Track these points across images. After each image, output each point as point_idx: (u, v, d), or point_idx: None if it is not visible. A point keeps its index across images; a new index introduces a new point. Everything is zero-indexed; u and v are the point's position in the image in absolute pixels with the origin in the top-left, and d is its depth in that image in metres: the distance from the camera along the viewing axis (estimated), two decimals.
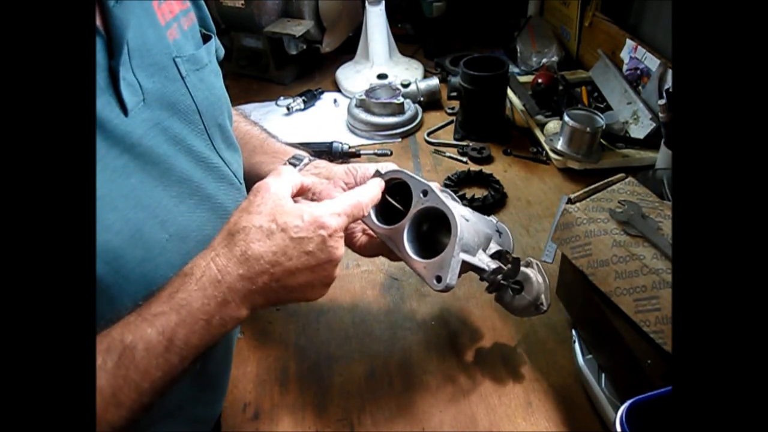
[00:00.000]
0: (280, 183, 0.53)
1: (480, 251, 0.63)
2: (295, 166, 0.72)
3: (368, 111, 1.23)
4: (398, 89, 1.25)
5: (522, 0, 1.58)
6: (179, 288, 0.48)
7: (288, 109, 1.31)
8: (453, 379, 0.70)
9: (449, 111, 1.30)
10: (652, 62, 1.14)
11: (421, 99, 1.30)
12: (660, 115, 0.95)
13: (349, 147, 1.14)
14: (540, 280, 0.65)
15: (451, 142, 1.20)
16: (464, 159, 1.13)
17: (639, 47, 1.19)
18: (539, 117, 1.19)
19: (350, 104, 1.26)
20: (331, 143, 1.13)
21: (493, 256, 0.65)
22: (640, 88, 1.18)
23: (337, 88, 1.43)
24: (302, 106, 1.33)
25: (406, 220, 0.61)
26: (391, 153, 1.15)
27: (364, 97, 1.22)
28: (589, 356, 0.68)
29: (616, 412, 0.47)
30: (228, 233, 0.50)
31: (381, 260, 0.85)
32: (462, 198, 0.99)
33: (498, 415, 0.66)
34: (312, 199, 0.69)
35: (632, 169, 0.93)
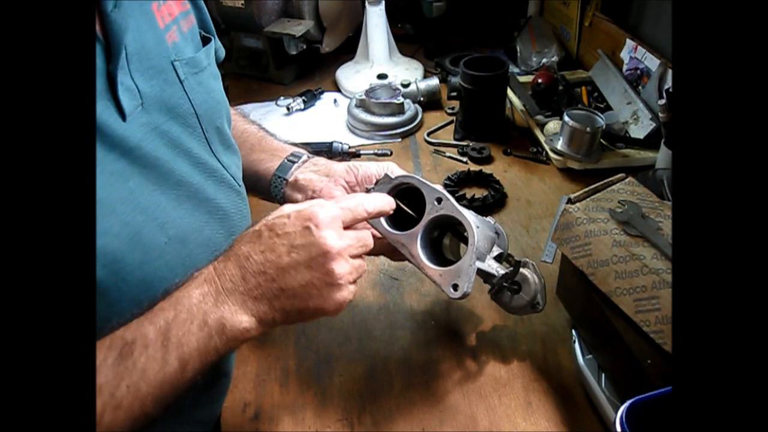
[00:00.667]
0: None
1: (487, 256, 0.64)
2: (293, 163, 0.72)
3: (368, 111, 1.23)
4: (398, 89, 1.25)
5: (522, 0, 1.58)
6: (181, 287, 0.49)
7: (288, 109, 1.31)
8: (453, 378, 0.70)
9: (449, 111, 1.30)
10: (652, 62, 1.14)
11: (421, 99, 1.30)
12: (660, 115, 0.95)
13: (349, 147, 1.14)
14: (536, 280, 0.66)
15: (451, 142, 1.20)
16: (464, 159, 1.13)
17: (639, 47, 1.19)
18: (539, 117, 1.19)
19: (350, 104, 1.26)
20: (331, 143, 1.13)
21: (495, 259, 0.65)
22: (640, 88, 1.18)
23: (337, 88, 1.43)
24: (302, 106, 1.33)
25: (419, 227, 0.61)
26: (391, 153, 1.15)
27: (364, 97, 1.22)
28: (589, 356, 0.68)
29: (616, 412, 0.47)
30: (238, 238, 0.52)
31: (381, 260, 0.86)
32: (462, 198, 0.99)
33: (498, 415, 0.66)
34: (312, 197, 0.69)
35: (632, 169, 0.93)
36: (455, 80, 1.27)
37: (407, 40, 1.58)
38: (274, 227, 0.50)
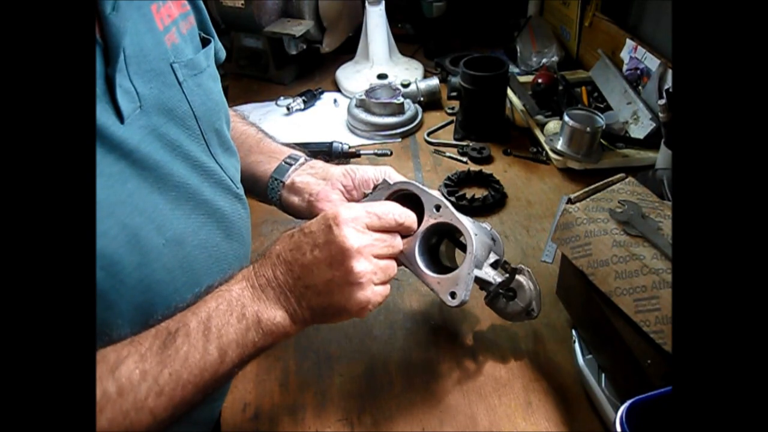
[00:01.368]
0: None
1: (484, 264, 0.64)
2: (290, 165, 0.72)
3: (368, 111, 1.23)
4: (398, 89, 1.25)
5: (522, 0, 1.58)
6: (225, 281, 0.52)
7: (288, 109, 1.31)
8: (453, 378, 0.70)
9: (449, 111, 1.30)
10: (652, 62, 1.14)
11: (421, 99, 1.30)
12: (660, 115, 0.95)
13: (349, 147, 1.14)
14: (532, 287, 0.66)
15: (451, 142, 1.20)
16: (464, 159, 1.13)
17: (639, 47, 1.19)
18: (539, 117, 1.19)
19: (350, 104, 1.26)
20: (331, 143, 1.13)
21: (491, 266, 0.65)
22: (640, 88, 1.18)
23: (337, 88, 1.43)
24: (302, 106, 1.33)
25: (417, 235, 0.61)
26: (391, 153, 1.15)
27: (364, 97, 1.22)
28: (589, 356, 0.68)
29: (616, 412, 0.47)
30: (277, 238, 0.55)
31: None
32: (462, 198, 0.99)
33: (498, 415, 0.66)
34: (309, 200, 0.69)
35: (632, 169, 0.93)
36: (455, 80, 1.27)
37: (407, 40, 1.58)
38: (303, 228, 0.53)
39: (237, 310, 0.49)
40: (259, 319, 0.50)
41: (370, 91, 1.23)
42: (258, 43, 1.43)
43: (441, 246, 0.69)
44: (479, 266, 0.63)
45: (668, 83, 1.09)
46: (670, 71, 1.09)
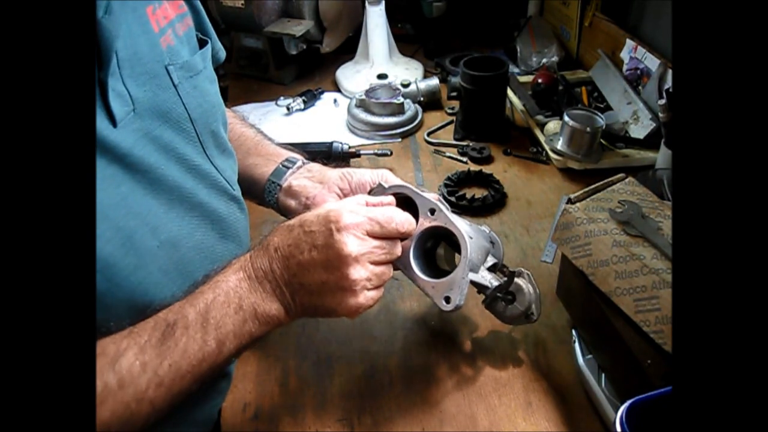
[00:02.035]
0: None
1: (481, 267, 0.64)
2: (288, 168, 0.72)
3: (368, 111, 1.23)
4: (398, 89, 1.25)
5: (522, 0, 1.58)
6: (221, 272, 0.53)
7: (288, 109, 1.31)
8: (453, 379, 0.70)
9: (449, 111, 1.30)
10: (652, 62, 1.14)
11: (421, 99, 1.30)
12: (660, 115, 0.95)
13: (349, 147, 1.14)
14: (531, 290, 0.66)
15: (451, 142, 1.20)
16: (464, 159, 1.13)
17: (639, 47, 1.19)
18: (539, 117, 1.19)
19: (350, 104, 1.26)
20: (331, 143, 1.13)
21: (489, 269, 0.65)
22: (640, 88, 1.18)
23: (337, 88, 1.43)
24: (302, 106, 1.33)
25: (412, 238, 0.61)
26: (391, 153, 1.15)
27: (364, 97, 1.22)
28: (589, 356, 0.68)
29: (616, 412, 0.47)
30: (274, 228, 0.55)
31: None
32: (462, 198, 0.99)
33: (498, 415, 0.66)
34: (306, 204, 0.69)
35: (632, 169, 0.93)
36: (455, 80, 1.27)
37: (407, 40, 1.58)
38: (304, 224, 0.53)
39: (234, 302, 0.50)
40: (255, 311, 0.51)
41: (370, 91, 1.23)
42: (258, 43, 1.43)
43: (439, 249, 0.69)
44: (475, 270, 0.62)
45: (668, 83, 1.09)
46: (670, 71, 1.09)
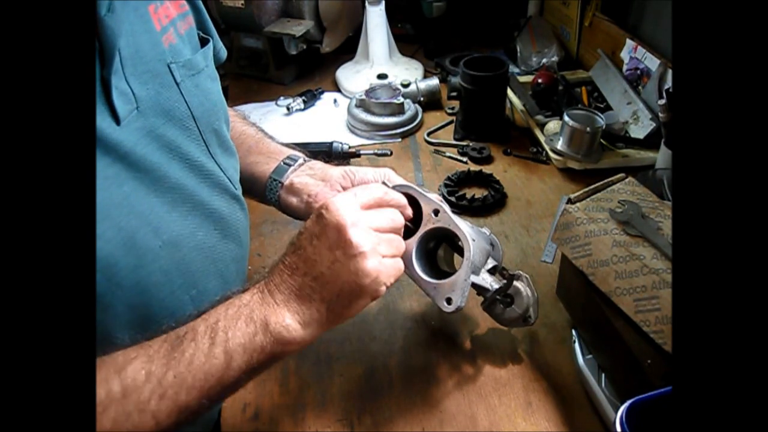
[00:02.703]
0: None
1: (482, 270, 0.64)
2: (289, 166, 0.72)
3: (368, 111, 1.23)
4: (398, 89, 1.25)
5: (522, 0, 1.58)
6: (240, 291, 0.52)
7: (288, 109, 1.31)
8: (453, 379, 0.70)
9: (449, 111, 1.30)
10: (652, 62, 1.14)
11: (421, 99, 1.30)
12: (660, 115, 0.95)
13: (349, 147, 1.14)
14: (529, 293, 0.66)
15: (451, 142, 1.20)
16: (464, 159, 1.13)
17: (639, 47, 1.19)
18: (539, 117, 1.19)
19: (350, 104, 1.26)
20: (331, 143, 1.13)
21: (490, 272, 0.65)
22: (640, 88, 1.18)
23: (337, 88, 1.43)
24: (302, 106, 1.33)
25: (415, 239, 0.60)
26: (391, 153, 1.15)
27: (364, 97, 1.22)
28: (589, 356, 0.68)
29: (616, 412, 0.47)
30: None
31: None
32: (462, 198, 0.99)
33: (498, 415, 0.66)
34: (308, 201, 0.69)
35: (632, 169, 0.93)
36: (455, 80, 1.27)
37: (407, 40, 1.58)
38: (300, 228, 0.53)
39: (245, 313, 0.49)
40: (266, 322, 0.49)
41: (370, 91, 1.23)
42: (258, 43, 1.43)
43: (439, 250, 0.69)
44: (476, 272, 0.63)
45: (668, 83, 1.09)
46: (670, 71, 1.09)
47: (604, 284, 0.63)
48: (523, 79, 1.33)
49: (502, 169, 1.10)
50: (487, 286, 0.64)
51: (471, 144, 1.15)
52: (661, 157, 0.97)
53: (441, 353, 0.74)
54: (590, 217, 0.66)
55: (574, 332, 0.71)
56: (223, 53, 0.71)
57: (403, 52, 1.51)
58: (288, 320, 0.50)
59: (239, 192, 0.66)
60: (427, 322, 0.78)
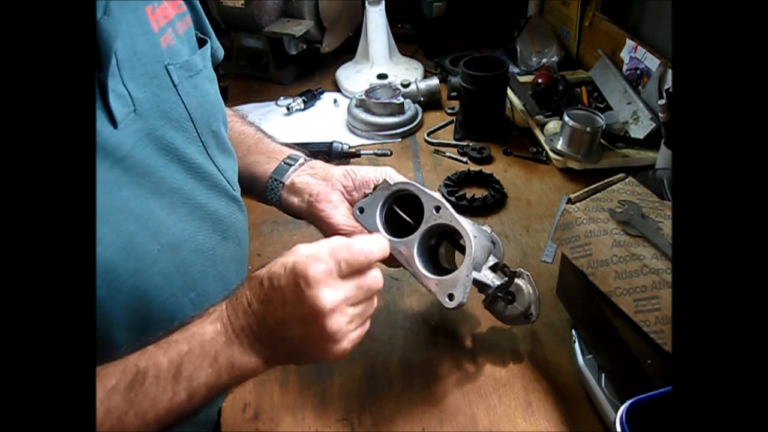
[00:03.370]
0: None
1: (483, 266, 0.64)
2: (290, 166, 0.71)
3: (368, 111, 1.23)
4: (398, 89, 1.25)
5: (522, 0, 1.58)
6: (195, 321, 0.50)
7: (288, 109, 1.31)
8: (453, 379, 0.70)
9: (449, 111, 1.30)
10: (652, 62, 1.14)
11: (421, 99, 1.30)
12: (660, 115, 0.95)
13: (349, 147, 1.14)
14: (531, 291, 0.66)
15: (451, 142, 1.20)
16: (464, 159, 1.13)
17: (639, 47, 1.19)
18: (539, 117, 1.19)
19: (350, 104, 1.26)
20: (331, 143, 1.13)
21: (491, 269, 0.65)
22: (640, 88, 1.18)
23: (337, 88, 1.43)
24: (302, 106, 1.33)
25: (417, 235, 0.61)
26: (391, 153, 1.15)
27: (364, 97, 1.22)
28: (589, 356, 0.68)
29: (616, 412, 0.47)
30: (248, 277, 0.52)
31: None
32: (462, 198, 0.99)
33: (498, 415, 0.66)
34: (309, 201, 0.69)
35: (632, 169, 0.93)
36: (455, 80, 1.26)
37: (407, 40, 1.58)
38: (272, 277, 0.49)
39: (210, 354, 0.48)
40: (232, 364, 0.49)
41: (370, 91, 1.23)
42: (258, 43, 1.43)
43: (440, 248, 0.69)
44: (478, 269, 0.63)
45: (668, 83, 1.09)
46: (670, 71, 1.09)
47: (604, 284, 0.63)
48: (523, 79, 1.33)
49: (502, 169, 1.10)
50: (489, 282, 0.64)
51: (471, 144, 1.15)
52: (661, 157, 0.97)
53: (441, 353, 0.74)
54: (590, 217, 0.66)
55: (574, 332, 0.71)
56: (220, 52, 0.71)
57: (403, 52, 1.51)
58: (252, 364, 0.49)
59: (238, 193, 0.66)
60: (427, 322, 0.78)
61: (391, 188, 0.63)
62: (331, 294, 0.48)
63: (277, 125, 1.28)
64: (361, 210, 0.64)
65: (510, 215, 0.98)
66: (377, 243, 0.53)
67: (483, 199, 0.99)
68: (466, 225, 0.60)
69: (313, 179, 0.70)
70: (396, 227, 0.64)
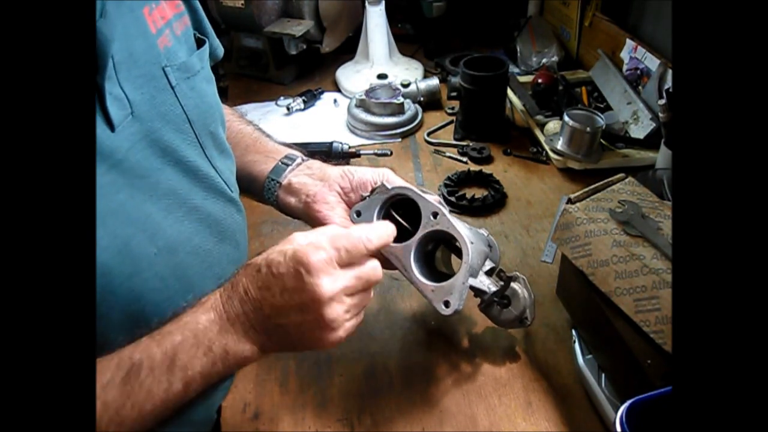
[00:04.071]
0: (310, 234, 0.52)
1: (479, 272, 0.64)
2: (287, 166, 0.71)
3: (368, 111, 1.23)
4: (398, 89, 1.25)
5: (522, 0, 1.58)
6: (189, 311, 0.50)
7: (288, 109, 1.31)
8: (453, 379, 0.70)
9: (449, 111, 1.30)
10: (652, 62, 1.14)
11: (421, 99, 1.30)
12: (660, 115, 0.95)
13: (349, 147, 1.14)
14: (526, 295, 0.66)
15: (451, 142, 1.20)
16: (464, 159, 1.13)
17: (639, 47, 1.19)
18: (539, 117, 1.19)
19: (350, 104, 1.26)
20: (331, 143, 1.13)
21: (487, 273, 0.65)
22: (640, 88, 1.18)
23: (337, 88, 1.43)
24: (302, 106, 1.33)
25: (414, 241, 0.60)
26: (391, 153, 1.15)
27: (364, 97, 1.22)
28: (589, 356, 0.68)
29: (616, 412, 0.47)
30: (244, 264, 0.52)
31: None
32: (462, 198, 0.99)
33: (498, 415, 0.66)
34: (306, 201, 0.69)
35: (632, 169, 0.93)
36: (455, 80, 1.27)
37: (407, 40, 1.58)
38: (271, 264, 0.49)
39: (204, 344, 0.48)
40: (226, 352, 0.49)
41: (370, 91, 1.23)
42: (258, 43, 1.43)
43: (437, 252, 0.69)
44: (474, 275, 0.62)
45: (668, 83, 1.09)
46: (670, 71, 1.09)
47: (604, 284, 0.63)
48: (523, 79, 1.33)
49: (502, 169, 1.10)
50: (485, 288, 0.64)
51: (471, 144, 1.15)
52: (661, 157, 0.97)
53: (441, 353, 0.74)
54: (590, 217, 0.66)
55: (574, 332, 0.71)
56: (220, 51, 0.70)
57: (403, 52, 1.51)
58: (247, 352, 0.50)
59: (236, 194, 0.65)
60: (427, 322, 0.78)
61: (389, 192, 0.63)
62: (330, 282, 0.49)
63: (277, 125, 1.28)
64: (358, 213, 0.64)
65: (510, 215, 0.98)
66: (376, 231, 0.54)
67: (483, 199, 0.99)
68: (463, 231, 0.60)
69: (311, 180, 0.70)
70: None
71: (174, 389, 0.47)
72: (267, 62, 1.44)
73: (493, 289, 0.64)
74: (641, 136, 1.09)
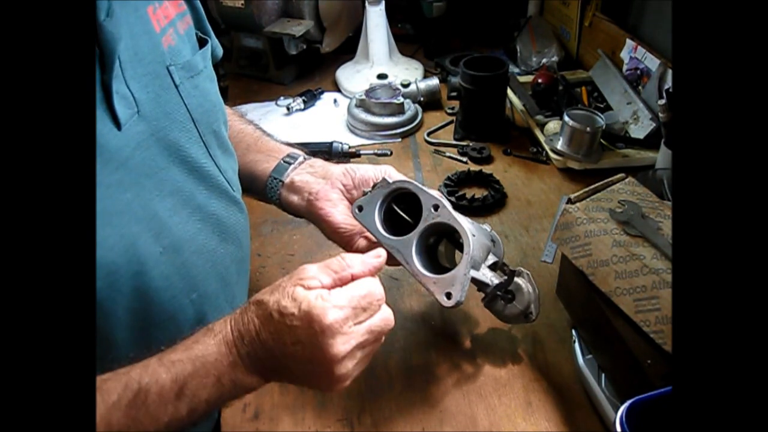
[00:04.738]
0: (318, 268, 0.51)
1: (482, 265, 0.64)
2: (289, 164, 0.71)
3: (368, 111, 1.23)
4: (398, 89, 1.25)
5: (522, 0, 1.58)
6: (199, 340, 0.49)
7: (288, 109, 1.31)
8: (453, 379, 0.70)
9: (449, 111, 1.30)
10: (652, 62, 1.14)
11: (421, 99, 1.30)
12: (660, 115, 0.95)
13: (349, 147, 1.14)
14: (531, 290, 0.66)
15: (451, 142, 1.20)
16: (464, 159, 1.13)
17: (639, 47, 1.19)
18: (539, 117, 1.19)
19: (350, 104, 1.26)
20: (331, 143, 1.13)
21: (490, 267, 0.65)
22: (640, 88, 1.18)
23: (337, 88, 1.43)
24: (302, 106, 1.33)
25: (415, 234, 0.60)
26: (391, 153, 1.15)
27: (364, 97, 1.22)
28: (589, 356, 0.68)
29: (616, 412, 0.47)
30: (254, 300, 0.51)
31: None
32: (462, 198, 0.99)
33: (498, 415, 0.66)
34: (309, 200, 0.69)
35: (632, 169, 0.93)
36: (455, 80, 1.26)
37: (407, 40, 1.58)
38: (284, 314, 0.48)
39: (213, 374, 0.48)
40: (234, 383, 0.49)
41: (370, 91, 1.23)
42: (258, 43, 1.43)
43: (440, 246, 0.69)
44: (477, 267, 0.62)
45: (668, 83, 1.09)
46: (670, 71, 1.09)
47: (604, 284, 0.63)
48: (523, 79, 1.33)
49: (502, 169, 1.10)
50: (488, 281, 0.64)
51: (471, 144, 1.15)
52: (661, 157, 0.97)
53: (441, 353, 0.74)
54: (590, 217, 0.66)
55: (574, 332, 0.71)
56: (220, 51, 0.71)
57: (403, 52, 1.51)
58: (255, 384, 0.50)
59: (238, 194, 0.66)
60: (427, 322, 0.78)
61: (390, 186, 0.63)
62: (344, 343, 0.48)
63: (277, 125, 1.28)
64: (360, 208, 0.64)
65: (510, 215, 0.98)
66: (374, 283, 0.52)
67: (483, 199, 0.99)
68: (464, 223, 0.60)
69: (313, 177, 0.70)
70: (395, 225, 0.64)
71: (179, 415, 0.47)
72: (267, 62, 1.44)
73: (496, 281, 0.64)
74: (641, 136, 1.09)
